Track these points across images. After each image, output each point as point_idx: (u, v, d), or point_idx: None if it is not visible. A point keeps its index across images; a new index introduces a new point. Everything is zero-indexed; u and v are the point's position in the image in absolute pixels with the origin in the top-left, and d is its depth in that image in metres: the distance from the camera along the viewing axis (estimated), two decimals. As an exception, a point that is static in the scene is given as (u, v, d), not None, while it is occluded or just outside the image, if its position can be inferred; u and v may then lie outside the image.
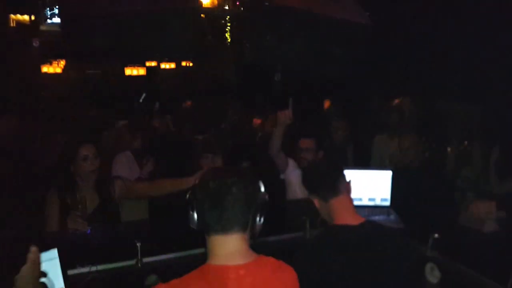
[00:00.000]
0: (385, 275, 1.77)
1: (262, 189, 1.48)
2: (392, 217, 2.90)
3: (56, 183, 2.71)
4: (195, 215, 1.44)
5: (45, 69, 9.54)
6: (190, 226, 1.49)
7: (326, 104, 6.01)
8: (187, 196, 1.49)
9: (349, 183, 2.01)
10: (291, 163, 3.48)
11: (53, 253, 1.90)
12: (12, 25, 8.20)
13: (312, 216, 2.70)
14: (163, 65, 12.18)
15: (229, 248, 1.41)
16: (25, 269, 1.32)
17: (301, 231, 2.70)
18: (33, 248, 1.34)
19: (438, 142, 3.92)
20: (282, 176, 3.51)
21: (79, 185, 2.69)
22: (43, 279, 1.42)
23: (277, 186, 3.47)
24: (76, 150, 2.65)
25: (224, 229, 1.41)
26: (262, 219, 1.47)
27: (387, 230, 1.97)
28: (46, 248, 1.85)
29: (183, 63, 12.97)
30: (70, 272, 1.98)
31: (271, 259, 1.47)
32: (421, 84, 6.21)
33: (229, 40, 10.64)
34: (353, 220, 1.89)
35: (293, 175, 3.43)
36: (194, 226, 1.46)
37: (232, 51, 10.71)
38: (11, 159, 3.63)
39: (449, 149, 3.93)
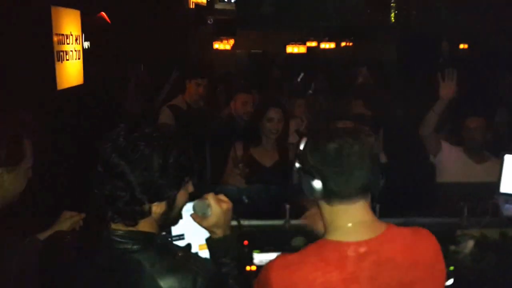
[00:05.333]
0: None
1: (376, 149, 1.35)
2: None
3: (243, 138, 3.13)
4: (316, 182, 1.25)
5: (216, 45, 10.40)
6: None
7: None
8: (297, 163, 1.33)
9: None
10: (445, 145, 3.15)
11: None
12: (191, 6, 9.11)
13: (470, 202, 2.51)
14: (323, 45, 12.22)
15: (353, 219, 1.26)
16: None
17: (456, 216, 2.52)
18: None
19: None
20: (432, 159, 3.21)
21: (262, 141, 3.01)
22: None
23: (425, 169, 3.23)
24: (265, 111, 2.96)
25: (350, 196, 1.25)
26: (382, 182, 1.30)
27: None
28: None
29: (343, 44, 12.84)
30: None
31: (403, 231, 1.29)
32: None
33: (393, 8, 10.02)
34: None
35: (449, 159, 3.12)
36: (314, 195, 1.27)
37: (397, 23, 10.10)
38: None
39: None
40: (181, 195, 1.32)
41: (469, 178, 3.00)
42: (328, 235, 1.30)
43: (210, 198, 1.40)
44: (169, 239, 1.63)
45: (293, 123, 4.07)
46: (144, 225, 1.26)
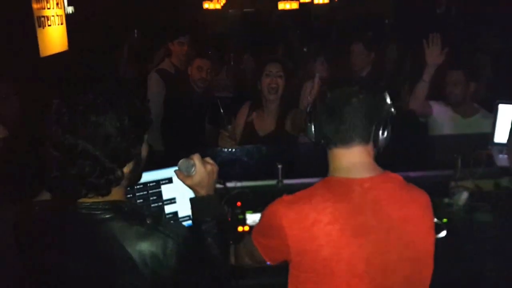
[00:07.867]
0: None
1: (388, 100, 1.36)
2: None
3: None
4: (312, 127, 1.41)
5: (206, 5, 10.07)
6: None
7: None
8: (308, 108, 1.45)
9: None
10: (434, 104, 3.08)
11: None
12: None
13: (464, 154, 2.48)
14: (316, 0, 11.86)
15: (351, 161, 1.35)
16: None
17: (450, 169, 2.50)
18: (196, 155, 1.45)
19: None
20: (422, 120, 3.16)
21: (264, 105, 2.84)
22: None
23: (417, 127, 3.19)
24: (264, 67, 2.79)
25: (343, 142, 1.35)
26: (386, 133, 1.36)
27: None
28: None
29: (337, -1, 12.46)
30: (218, 185, 2.15)
31: (398, 177, 1.37)
32: None
33: None
34: None
35: (438, 117, 3.07)
36: (312, 139, 1.43)
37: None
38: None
39: None
40: (143, 149, 1.30)
41: (457, 133, 2.96)
42: (332, 174, 1.38)
43: (195, 158, 1.43)
44: (161, 203, 1.63)
45: None
46: (114, 193, 1.23)
